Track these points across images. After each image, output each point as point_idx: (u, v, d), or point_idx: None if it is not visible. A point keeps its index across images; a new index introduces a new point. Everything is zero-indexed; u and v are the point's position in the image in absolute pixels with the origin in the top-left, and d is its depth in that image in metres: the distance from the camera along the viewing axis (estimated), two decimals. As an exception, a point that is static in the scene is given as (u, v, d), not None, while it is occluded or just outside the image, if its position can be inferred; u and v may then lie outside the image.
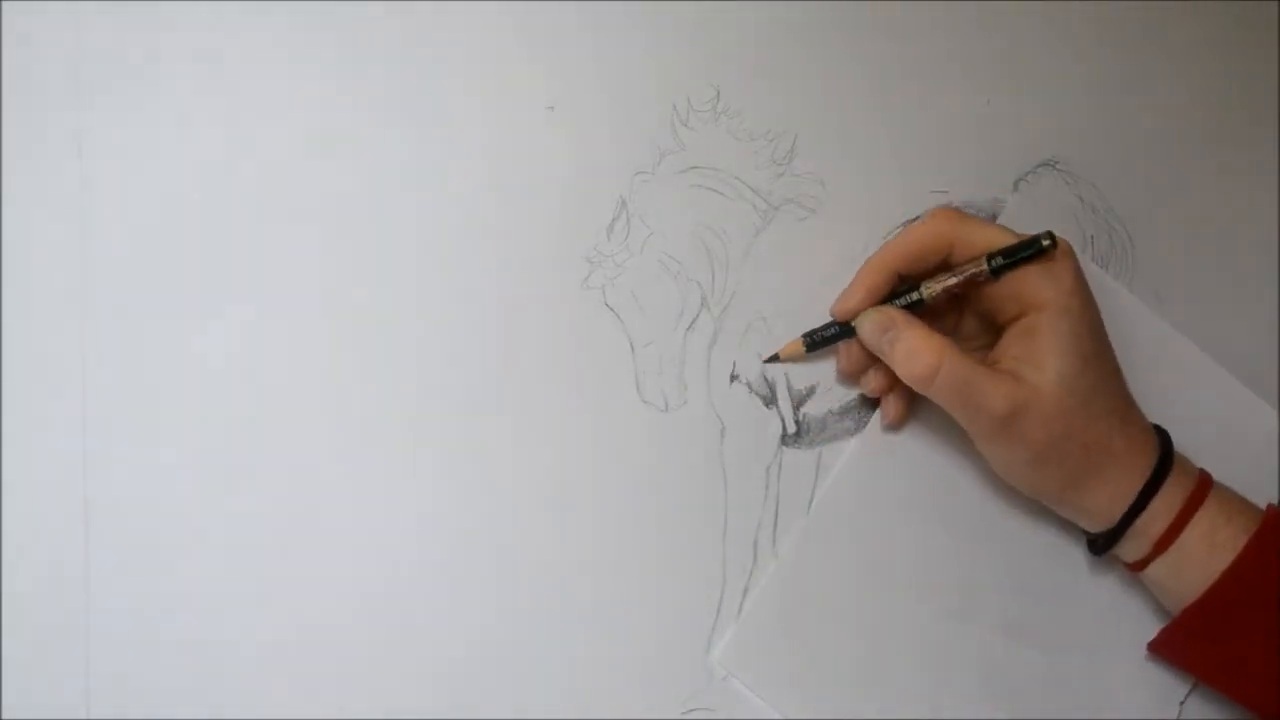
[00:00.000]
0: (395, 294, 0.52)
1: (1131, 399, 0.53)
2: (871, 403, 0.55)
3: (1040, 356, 0.50)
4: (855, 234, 0.56)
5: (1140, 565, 0.53)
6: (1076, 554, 0.56)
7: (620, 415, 0.53)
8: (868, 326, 0.52)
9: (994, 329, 0.53)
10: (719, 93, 0.56)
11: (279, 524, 0.50)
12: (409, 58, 0.53)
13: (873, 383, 0.54)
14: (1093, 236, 0.59)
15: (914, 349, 0.50)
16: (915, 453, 0.55)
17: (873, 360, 0.53)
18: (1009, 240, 0.51)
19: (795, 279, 0.55)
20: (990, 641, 0.54)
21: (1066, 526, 0.55)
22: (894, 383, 0.53)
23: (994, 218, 0.57)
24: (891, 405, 0.54)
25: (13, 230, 0.49)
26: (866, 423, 0.55)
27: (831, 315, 0.54)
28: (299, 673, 0.49)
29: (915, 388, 0.51)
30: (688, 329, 0.54)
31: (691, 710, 0.52)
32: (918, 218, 0.57)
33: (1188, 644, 0.52)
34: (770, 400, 0.55)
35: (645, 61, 0.55)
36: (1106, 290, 0.56)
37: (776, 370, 0.55)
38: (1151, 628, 0.54)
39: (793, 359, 0.55)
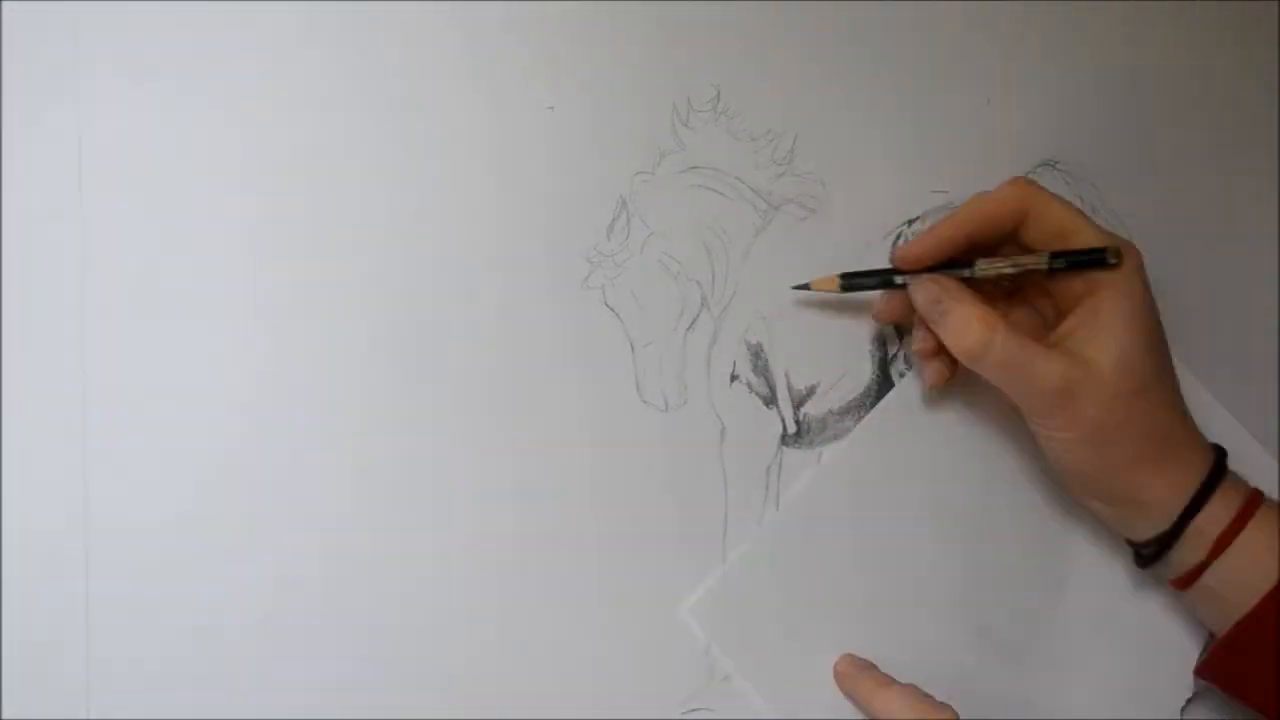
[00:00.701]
0: (395, 294, 0.52)
1: (1184, 405, 0.51)
2: (874, 397, 0.55)
3: (1103, 337, 0.49)
4: (855, 234, 0.56)
5: (1194, 574, 0.50)
6: (1076, 562, 0.55)
7: (620, 415, 0.53)
8: (921, 294, 0.51)
9: (1050, 315, 0.52)
10: (719, 93, 0.56)
11: (279, 524, 0.50)
12: (409, 57, 0.53)
13: (920, 343, 0.53)
14: (1093, 236, 0.59)
15: (966, 321, 0.49)
16: (921, 445, 0.55)
17: (910, 315, 0.52)
18: (1081, 227, 0.50)
19: (795, 279, 0.55)
20: (969, 644, 0.54)
21: (1069, 534, 0.54)
22: (940, 348, 0.52)
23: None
24: (934, 368, 0.53)
25: (13, 230, 0.49)
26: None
27: (893, 261, 0.52)
28: (299, 673, 0.49)
29: (965, 361, 0.50)
30: (688, 329, 0.54)
31: (691, 710, 0.52)
32: (916, 218, 0.57)
33: (1243, 661, 0.49)
34: (770, 400, 0.55)
35: (645, 61, 0.55)
36: None
37: (777, 370, 0.55)
38: (1146, 639, 0.54)
39: (824, 291, 0.54)
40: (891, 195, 0.57)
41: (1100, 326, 0.49)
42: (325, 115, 0.52)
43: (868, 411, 0.55)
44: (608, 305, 0.54)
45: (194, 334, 0.50)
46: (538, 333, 0.53)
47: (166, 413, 0.49)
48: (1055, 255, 0.50)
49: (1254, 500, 0.50)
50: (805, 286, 0.54)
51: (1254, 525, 0.49)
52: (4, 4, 0.50)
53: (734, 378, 0.55)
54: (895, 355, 0.56)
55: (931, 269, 0.52)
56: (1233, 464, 0.51)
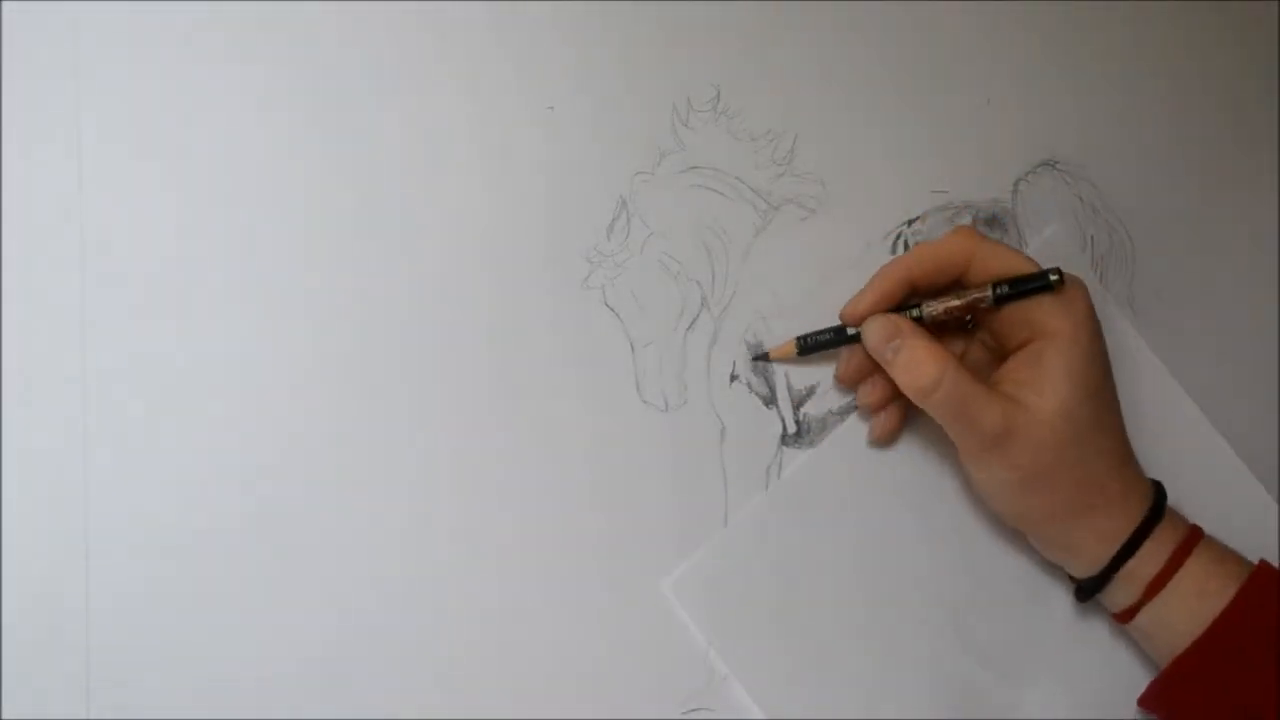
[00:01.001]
0: (395, 294, 0.52)
1: (1130, 447, 0.52)
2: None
3: (1043, 382, 0.49)
4: (855, 234, 0.56)
5: (1128, 614, 0.51)
6: (1046, 590, 0.55)
7: (620, 415, 0.53)
8: (873, 332, 0.51)
9: (1001, 357, 0.53)
10: (719, 93, 0.56)
11: (279, 524, 0.50)
12: (409, 57, 0.53)
13: (870, 394, 0.54)
14: (1093, 236, 0.59)
15: (918, 359, 0.50)
16: (914, 440, 0.55)
17: (872, 369, 0.53)
18: (1024, 268, 0.51)
19: (795, 279, 0.55)
20: (943, 653, 0.54)
21: (1043, 563, 0.54)
22: (891, 397, 0.53)
23: (994, 218, 0.57)
24: (883, 421, 0.54)
25: (13, 230, 0.49)
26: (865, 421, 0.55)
27: (840, 319, 0.53)
28: (299, 673, 0.49)
29: (914, 399, 0.50)
30: (688, 329, 0.54)
31: (691, 710, 0.52)
32: (916, 218, 0.57)
33: (1180, 695, 0.51)
34: (770, 400, 0.55)
35: (645, 61, 0.55)
36: (1123, 339, 0.56)
37: (776, 370, 0.55)
38: (1108, 661, 0.54)
39: (783, 360, 0.55)
40: (891, 195, 0.57)
41: (1042, 371, 0.49)
42: (325, 115, 0.52)
43: (865, 412, 0.55)
44: (608, 305, 0.54)
45: (194, 334, 0.50)
46: (538, 333, 0.53)
47: (167, 413, 0.49)
48: (999, 284, 0.50)
49: (1190, 540, 0.51)
50: (764, 357, 0.54)
51: (1189, 567, 0.50)
52: (4, 4, 0.50)
53: (734, 378, 0.55)
54: (895, 355, 0.56)
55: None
56: (1226, 505, 0.51)
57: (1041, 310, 0.50)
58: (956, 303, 0.51)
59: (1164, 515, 0.51)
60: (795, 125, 0.56)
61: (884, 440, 0.54)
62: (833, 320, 0.54)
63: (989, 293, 0.51)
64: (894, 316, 0.51)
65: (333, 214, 0.52)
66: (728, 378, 0.54)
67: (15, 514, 0.48)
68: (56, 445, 0.49)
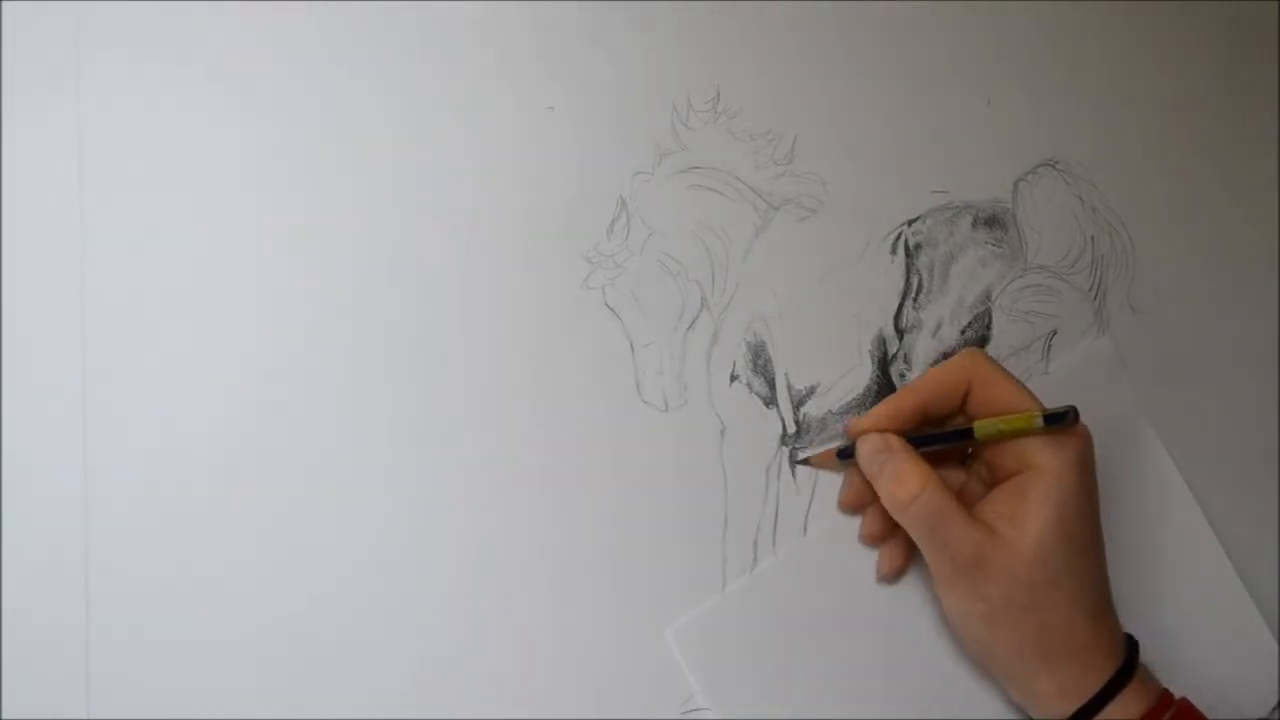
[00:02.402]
0: (394, 294, 0.52)
1: (1109, 598, 0.51)
2: (874, 397, 0.55)
3: (1022, 517, 0.49)
4: (855, 234, 0.56)
5: None
6: None
7: (620, 415, 0.53)
8: (865, 448, 0.52)
9: (990, 486, 0.53)
10: (719, 93, 0.56)
11: (279, 524, 0.50)
12: (409, 58, 0.53)
13: (870, 525, 0.53)
14: (1093, 236, 0.59)
15: (901, 472, 0.50)
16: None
17: (871, 497, 0.53)
18: (1020, 405, 0.50)
19: (795, 279, 0.55)
20: None
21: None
22: (889, 529, 0.53)
23: (994, 218, 0.57)
24: (888, 556, 0.54)
25: (13, 231, 0.49)
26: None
27: (847, 434, 0.54)
28: (299, 673, 0.49)
29: (893, 513, 0.51)
30: (688, 329, 0.54)
31: (691, 710, 0.52)
32: (916, 218, 0.57)
33: None
34: (770, 400, 0.55)
35: (645, 61, 0.55)
36: (1157, 464, 0.56)
37: (777, 370, 0.55)
38: None
39: (824, 467, 0.55)
40: (891, 195, 0.57)
41: (1023, 506, 0.49)
42: (325, 116, 0.52)
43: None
44: (608, 305, 0.54)
45: (194, 334, 0.50)
46: (537, 333, 0.53)
47: (167, 412, 0.49)
48: (1047, 418, 0.50)
49: (1160, 707, 0.50)
50: (806, 462, 0.54)
51: None
52: (4, 4, 0.50)
53: (734, 378, 0.55)
54: (895, 355, 0.56)
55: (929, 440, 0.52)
56: (1230, 648, 0.51)
57: (1033, 445, 0.50)
58: (1005, 428, 0.50)
59: (1132, 677, 0.50)
60: (795, 125, 0.56)
61: (891, 578, 0.54)
62: (836, 328, 0.55)
63: (1038, 423, 0.49)
64: (887, 434, 0.52)
65: (332, 214, 0.52)
66: (728, 378, 0.54)
67: (15, 514, 0.48)
68: (56, 445, 0.49)
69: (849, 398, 0.55)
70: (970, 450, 0.54)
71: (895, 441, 0.51)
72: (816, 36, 0.57)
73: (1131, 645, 0.51)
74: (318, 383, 0.51)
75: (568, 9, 0.55)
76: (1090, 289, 0.59)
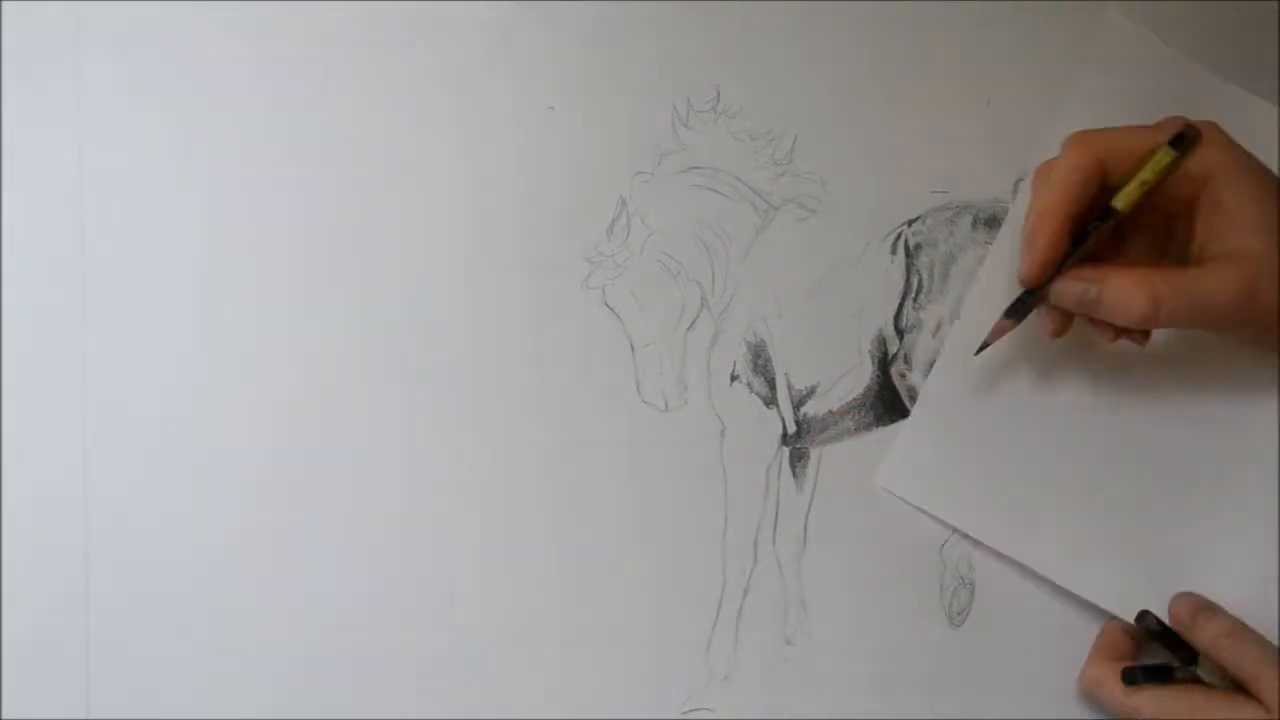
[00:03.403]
0: (395, 294, 0.52)
1: None
2: (874, 397, 0.55)
3: (1237, 221, 0.48)
4: (855, 234, 0.56)
5: None
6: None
7: (620, 415, 0.53)
8: (1067, 297, 0.50)
9: (1164, 233, 0.51)
10: (719, 93, 0.56)
11: (279, 524, 0.50)
12: (409, 58, 0.53)
13: (1105, 334, 0.51)
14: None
15: (1122, 295, 0.49)
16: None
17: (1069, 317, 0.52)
18: (1151, 133, 0.49)
19: (795, 279, 0.55)
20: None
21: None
22: (1065, 324, 0.52)
23: (994, 218, 0.57)
24: (1138, 337, 0.52)
25: (13, 231, 0.49)
26: (885, 416, 0.55)
27: (1022, 284, 0.52)
28: (299, 673, 0.49)
29: (1143, 328, 0.50)
30: (688, 329, 0.54)
31: (691, 710, 0.52)
32: (916, 218, 0.57)
33: None
34: (770, 400, 0.55)
35: (645, 61, 0.55)
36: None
37: (777, 370, 0.55)
38: None
39: (1002, 334, 0.53)
40: (891, 195, 0.57)
41: (1232, 215, 0.48)
42: (325, 116, 0.52)
43: (867, 412, 0.55)
44: (608, 305, 0.54)
45: (194, 334, 0.50)
46: (538, 333, 0.53)
47: (167, 413, 0.50)
48: (1172, 142, 0.48)
49: None
50: (984, 347, 0.53)
51: None
52: (4, 4, 0.50)
53: (734, 378, 0.55)
54: (895, 355, 0.56)
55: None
56: None
57: (1192, 161, 0.49)
58: (1149, 179, 0.49)
59: None
60: (795, 125, 0.56)
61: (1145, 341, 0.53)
62: (836, 328, 0.54)
63: (1169, 156, 0.48)
64: (1071, 273, 0.50)
65: (332, 214, 0.52)
66: (728, 378, 0.54)
67: (15, 514, 0.48)
68: (57, 444, 0.49)
69: (849, 398, 0.55)
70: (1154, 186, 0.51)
71: (1086, 271, 0.49)
72: (816, 36, 0.57)
73: None
74: (317, 382, 0.51)
75: (568, 9, 0.54)
76: (1090, 289, 0.58)
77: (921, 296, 0.57)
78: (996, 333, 0.53)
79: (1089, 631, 0.56)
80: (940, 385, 0.55)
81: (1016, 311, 0.52)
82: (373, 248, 0.52)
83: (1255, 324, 0.49)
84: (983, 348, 0.53)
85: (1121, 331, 0.51)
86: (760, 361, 0.55)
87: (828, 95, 0.57)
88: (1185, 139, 0.49)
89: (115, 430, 0.49)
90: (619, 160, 0.54)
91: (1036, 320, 0.53)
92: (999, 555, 0.55)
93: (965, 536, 0.55)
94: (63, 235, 0.50)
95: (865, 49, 0.57)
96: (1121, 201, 0.50)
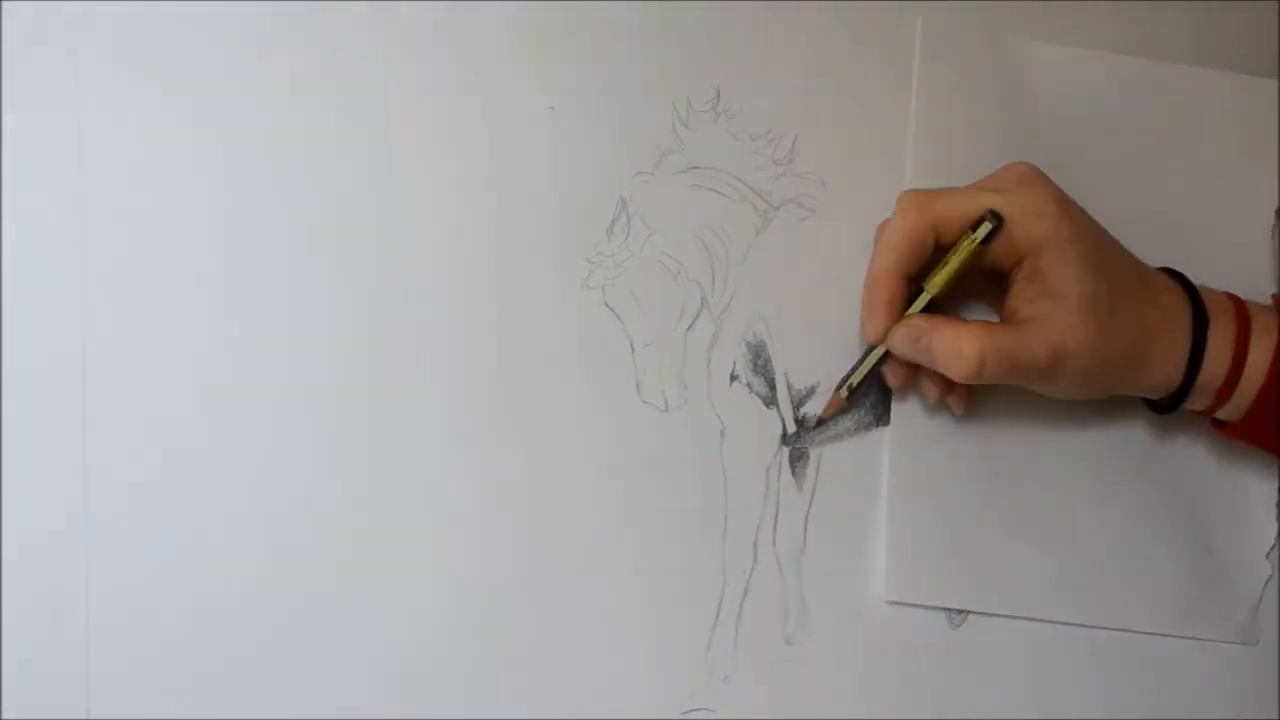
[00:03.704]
0: (396, 294, 0.52)
1: (1141, 264, 0.53)
2: (874, 397, 0.55)
3: (1055, 290, 0.50)
4: (855, 234, 0.56)
5: (1213, 409, 0.53)
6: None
7: (620, 415, 0.53)
8: (899, 343, 0.52)
9: (998, 280, 0.53)
10: (719, 93, 0.56)
11: (279, 524, 0.50)
12: (409, 58, 0.53)
13: (931, 389, 0.54)
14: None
15: (951, 348, 0.50)
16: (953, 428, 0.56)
17: (916, 368, 0.53)
18: (979, 200, 0.51)
19: (795, 279, 0.55)
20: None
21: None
22: (950, 383, 0.53)
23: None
24: (957, 398, 0.54)
25: (12, 230, 0.49)
26: (884, 416, 0.55)
27: (865, 341, 0.54)
28: (299, 673, 0.49)
29: (964, 380, 0.51)
30: (688, 329, 0.54)
31: (691, 710, 0.52)
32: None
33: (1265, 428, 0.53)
34: (770, 400, 0.55)
35: (645, 61, 0.55)
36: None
37: (777, 370, 0.55)
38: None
39: (839, 411, 0.55)
40: (891, 195, 0.57)
41: (1050, 283, 0.50)
42: (326, 116, 0.52)
43: (867, 412, 0.55)
44: (608, 305, 0.54)
45: (194, 334, 0.50)
46: (538, 333, 0.53)
47: (166, 413, 0.50)
48: (975, 227, 0.51)
49: (1242, 327, 0.52)
50: (823, 420, 0.55)
51: (1250, 355, 0.52)
52: (4, 4, 0.50)
53: (734, 378, 0.55)
54: (895, 355, 0.56)
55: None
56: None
57: (1016, 230, 0.50)
58: (955, 266, 0.51)
59: (1207, 315, 0.52)
60: (795, 125, 0.56)
61: (964, 408, 0.55)
62: (836, 328, 0.54)
63: (978, 239, 0.51)
64: (909, 320, 0.52)
65: (332, 214, 0.52)
66: (728, 378, 0.54)
67: (15, 513, 0.48)
68: (56, 445, 0.49)
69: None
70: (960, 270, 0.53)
71: (922, 322, 0.52)
72: (816, 36, 0.57)
73: (1182, 282, 0.53)
74: (317, 383, 0.51)
75: (568, 9, 0.54)
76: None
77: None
78: (833, 405, 0.54)
79: (1087, 632, 0.56)
80: (901, 471, 0.55)
81: (849, 386, 0.54)
82: (372, 248, 0.52)
83: (1065, 386, 0.52)
84: (821, 421, 0.55)
85: (945, 389, 0.54)
86: (760, 361, 0.55)
87: (828, 95, 0.57)
88: (992, 229, 0.50)
89: (115, 430, 0.49)
90: (619, 160, 0.54)
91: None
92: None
93: (994, 615, 0.55)
94: (63, 235, 0.50)
95: (865, 49, 0.57)
96: (932, 285, 0.52)
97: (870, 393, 0.55)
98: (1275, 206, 0.60)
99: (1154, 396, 0.54)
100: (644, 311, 0.54)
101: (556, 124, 0.54)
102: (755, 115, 0.56)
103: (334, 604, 0.50)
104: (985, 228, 0.50)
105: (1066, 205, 0.51)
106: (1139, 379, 0.53)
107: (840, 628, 0.54)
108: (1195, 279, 0.54)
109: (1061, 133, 0.58)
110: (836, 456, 0.55)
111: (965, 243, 0.51)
